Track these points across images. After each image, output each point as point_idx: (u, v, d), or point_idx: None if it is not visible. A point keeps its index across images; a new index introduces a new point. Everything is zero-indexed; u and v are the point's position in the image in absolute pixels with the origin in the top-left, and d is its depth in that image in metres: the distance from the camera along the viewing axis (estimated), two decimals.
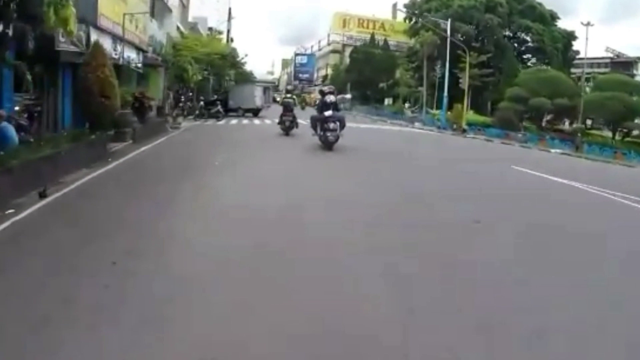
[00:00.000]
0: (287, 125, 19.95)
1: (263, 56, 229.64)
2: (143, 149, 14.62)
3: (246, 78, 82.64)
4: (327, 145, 15.06)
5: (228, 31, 78.14)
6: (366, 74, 58.73)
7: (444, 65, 41.80)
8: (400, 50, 63.36)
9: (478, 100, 45.78)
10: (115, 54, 18.21)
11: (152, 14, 26.76)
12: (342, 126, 15.25)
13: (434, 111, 43.04)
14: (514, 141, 29.20)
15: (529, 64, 53.32)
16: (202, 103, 29.44)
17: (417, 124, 38.05)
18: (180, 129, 22.34)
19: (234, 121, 28.42)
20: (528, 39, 55.22)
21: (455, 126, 33.11)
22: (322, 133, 15.20)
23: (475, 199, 9.31)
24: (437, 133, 31.33)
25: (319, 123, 15.38)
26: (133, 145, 14.95)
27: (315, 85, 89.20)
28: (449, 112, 36.32)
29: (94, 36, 15.34)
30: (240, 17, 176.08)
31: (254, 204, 7.81)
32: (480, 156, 18.92)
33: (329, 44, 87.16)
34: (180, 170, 11.01)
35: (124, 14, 17.83)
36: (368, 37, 67.72)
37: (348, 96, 63.10)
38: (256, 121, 29.71)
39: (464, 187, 10.72)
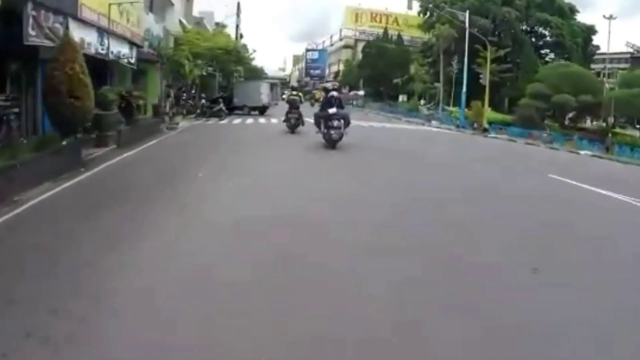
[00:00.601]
0: (293, 123, 19.54)
1: (274, 52, 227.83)
2: (126, 154, 13.05)
3: (256, 74, 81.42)
4: (331, 143, 14.76)
5: (237, 26, 76.81)
6: (379, 70, 56.76)
7: (460, 60, 39.97)
8: (414, 45, 61.38)
9: (495, 97, 43.78)
10: (102, 49, 16.71)
11: (151, 8, 25.32)
12: (347, 124, 14.99)
13: (451, 108, 41.13)
14: (538, 141, 27.20)
15: (546, 59, 51.47)
16: (203, 101, 27.85)
17: (433, 123, 36.14)
18: (177, 130, 20.79)
19: (237, 120, 26.84)
20: (546, 33, 53.27)
21: (475, 125, 31.18)
22: (325, 131, 14.93)
23: (531, 239, 6.73)
24: (456, 132, 29.48)
25: (322, 121, 15.13)
26: (117, 151, 13.42)
27: (327, 82, 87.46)
28: (467, 110, 34.41)
29: (74, 29, 13.81)
30: (251, 13, 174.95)
31: (249, 215, 6.92)
32: (510, 162, 16.85)
33: (340, 39, 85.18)
34: (160, 182, 9.42)
35: (110, 4, 16.25)
36: (381, 31, 65.71)
37: (361, 93, 61.34)
38: (261, 120, 28.08)
39: (507, 216, 8.14)
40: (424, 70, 48.07)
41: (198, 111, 27.18)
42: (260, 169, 11.49)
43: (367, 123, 29.09)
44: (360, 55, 67.30)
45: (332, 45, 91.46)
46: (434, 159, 15.04)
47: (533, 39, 52.39)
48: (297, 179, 10.34)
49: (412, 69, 48.39)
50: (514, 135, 28.78)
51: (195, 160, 12.46)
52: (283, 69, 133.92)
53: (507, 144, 24.62)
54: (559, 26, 50.45)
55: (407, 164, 13.75)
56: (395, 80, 52.85)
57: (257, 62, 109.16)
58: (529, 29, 52.49)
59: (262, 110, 33.65)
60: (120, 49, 18.79)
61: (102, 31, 16.43)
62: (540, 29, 53.20)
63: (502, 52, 41.44)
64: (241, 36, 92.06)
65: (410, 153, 15.68)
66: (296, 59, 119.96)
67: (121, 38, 18.78)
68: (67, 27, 13.31)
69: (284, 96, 35.63)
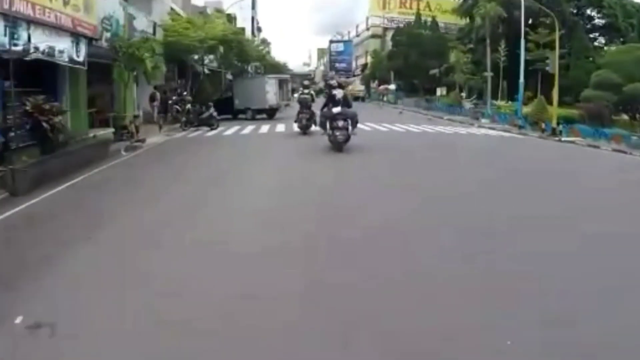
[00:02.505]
0: (304, 123, 18.76)
1: (299, 47, 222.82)
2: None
3: (278, 71, 76.56)
4: (336, 145, 14.13)
5: (252, 19, 72.05)
6: (412, 60, 50.74)
7: (509, 45, 34.28)
8: (449, 32, 55.04)
9: (543, 89, 37.94)
10: (17, 44, 11.70)
11: None
12: (354, 123, 14.44)
13: (499, 102, 34.90)
14: (629, 148, 20.24)
15: (594, 44, 45.35)
16: (188, 106, 22.55)
17: (483, 121, 30.14)
18: (136, 152, 15.65)
19: (231, 130, 21.45)
20: (594, 15, 47.56)
21: (542, 125, 25.08)
22: (330, 132, 14.29)
23: None
24: (518, 135, 23.46)
25: (328, 121, 14.41)
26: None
27: (354, 76, 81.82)
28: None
29: None
30: (273, 5, 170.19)
31: None
32: None
33: (367, 29, 79.17)
34: None
35: None
36: (412, 18, 59.52)
37: (392, 86, 55.54)
38: (264, 127, 22.68)
39: None
40: (466, 58, 41.79)
41: (184, 119, 21.97)
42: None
43: (403, 126, 23.49)
44: (389, 45, 61.46)
45: (358, 35, 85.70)
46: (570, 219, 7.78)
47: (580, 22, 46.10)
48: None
49: (452, 57, 42.13)
50: (589, 136, 22.33)
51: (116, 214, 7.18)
52: (308, 64, 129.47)
53: (598, 154, 18.45)
54: (612, 6, 44.73)
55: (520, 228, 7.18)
56: (432, 71, 46.69)
57: (281, 57, 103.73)
58: (575, 11, 46.29)
59: (269, 113, 28.46)
60: (54, 44, 13.78)
61: (17, 19, 11.46)
62: (589, 10, 47.61)
63: (554, 35, 35.70)
64: (259, 29, 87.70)
65: (501, 195, 9.52)
66: (321, 53, 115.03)
67: (55, 29, 13.78)
68: None
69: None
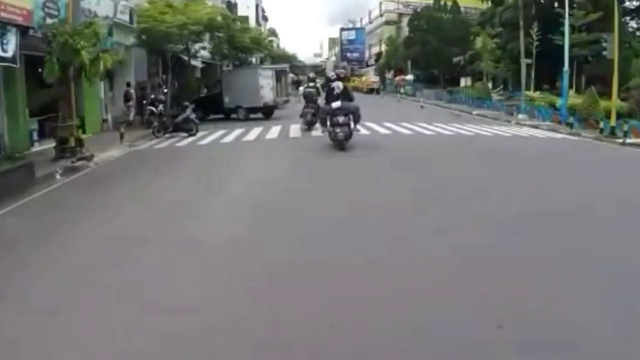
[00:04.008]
0: (309, 119, 17.76)
1: (310, 37, 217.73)
2: None
3: (288, 62, 72.33)
4: (337, 144, 13.23)
5: (257, 6, 67.94)
6: (432, 47, 46.15)
7: (542, 28, 30.07)
8: (470, 17, 50.44)
9: (577, 77, 33.78)
10: None
11: None
12: (357, 119, 13.52)
13: (533, 94, 30.50)
14: None
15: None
16: (161, 107, 18.51)
17: (520, 117, 25.82)
18: (77, 174, 11.81)
19: (210, 137, 17.16)
20: None
21: (594, 122, 20.81)
22: (331, 129, 13.39)
23: None
24: (570, 136, 19.09)
25: (328, 117, 13.52)
26: None
27: (368, 66, 77.43)
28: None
29: None
30: None
31: None
32: None
33: (381, 15, 74.71)
34: None
35: None
36: (429, 2, 54.88)
37: (409, 77, 51.03)
38: (254, 131, 18.60)
39: None
40: (494, 44, 37.28)
41: (155, 124, 18.03)
42: None
43: (428, 126, 19.26)
44: (405, 33, 57.05)
45: (371, 22, 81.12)
46: None
47: None
48: None
49: (478, 42, 37.67)
50: None
51: None
52: (319, 55, 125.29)
53: None
54: None
55: None
56: (455, 59, 42.11)
57: (291, 48, 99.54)
58: None
59: (266, 112, 24.47)
60: None
61: None
62: None
63: (594, 16, 31.54)
64: (265, 18, 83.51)
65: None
66: (332, 43, 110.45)
67: None
68: None
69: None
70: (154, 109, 18.49)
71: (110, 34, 19.72)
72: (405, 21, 61.18)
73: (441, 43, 45.73)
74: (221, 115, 24.79)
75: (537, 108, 26.88)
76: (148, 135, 18.16)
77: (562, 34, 27.48)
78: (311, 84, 19.58)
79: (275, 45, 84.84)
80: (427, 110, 31.68)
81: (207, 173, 11.14)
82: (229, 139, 16.70)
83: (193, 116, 17.82)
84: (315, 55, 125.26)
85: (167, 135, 17.96)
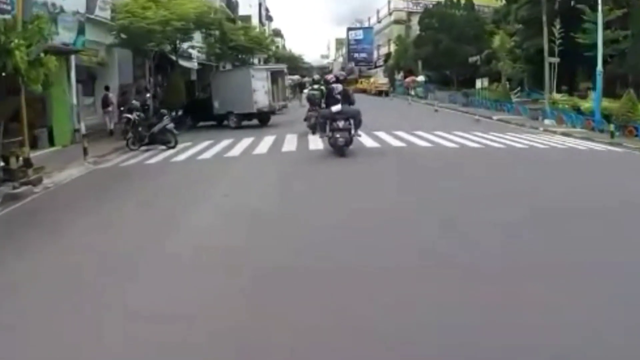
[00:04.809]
0: (313, 122, 16.38)
1: (317, 38, 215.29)
2: None
3: (295, 65, 69.95)
4: (337, 150, 12.59)
5: (260, 5, 65.63)
6: (444, 46, 43.66)
7: (565, 26, 27.62)
8: (484, 15, 47.89)
9: (578, 79, 31.48)
10: None
11: None
12: (357, 124, 12.80)
13: (556, 96, 27.86)
14: None
15: None
16: (134, 116, 15.90)
17: (547, 123, 23.33)
18: (17, 204, 9.50)
19: (191, 151, 14.66)
20: None
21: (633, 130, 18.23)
22: (330, 134, 12.74)
23: None
24: (612, 147, 16.39)
25: (327, 122, 12.81)
26: None
27: (376, 67, 75.02)
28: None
29: None
30: None
31: None
32: None
33: (389, 13, 72.31)
34: None
35: None
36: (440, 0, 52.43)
37: (420, 78, 48.66)
38: (243, 143, 16.10)
39: None
40: (513, 42, 34.68)
41: (129, 136, 15.63)
42: None
43: (448, 135, 16.66)
44: (415, 32, 54.62)
45: (379, 22, 78.71)
46: None
47: None
48: None
49: (496, 41, 35.07)
50: None
51: None
52: (326, 56, 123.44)
53: None
54: None
55: None
56: (472, 59, 39.59)
57: (297, 49, 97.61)
58: None
59: (262, 118, 22.08)
60: None
61: None
62: None
63: (618, 13, 29.05)
64: (269, 18, 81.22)
65: None
66: (339, 44, 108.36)
67: None
68: None
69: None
70: (129, 116, 16.04)
71: (81, 32, 17.48)
72: (414, 20, 59.28)
73: (454, 42, 43.37)
74: (213, 122, 22.45)
75: (564, 113, 24.27)
76: (122, 149, 15.81)
77: (584, 31, 25.69)
78: (315, 86, 18.42)
79: (280, 46, 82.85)
80: (441, 114, 29.15)
81: (158, 210, 8.49)
82: (209, 153, 14.15)
83: (171, 126, 15.36)
84: (322, 56, 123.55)
85: (144, 148, 15.60)
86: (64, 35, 16.26)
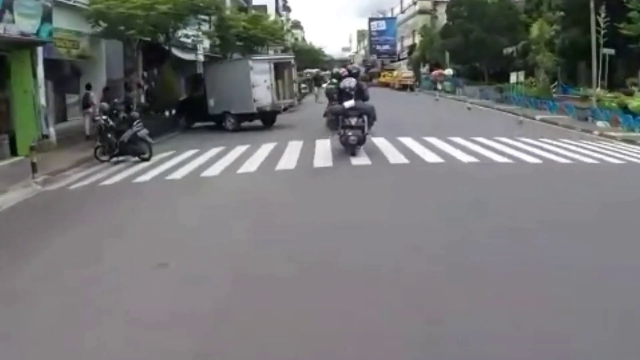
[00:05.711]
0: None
1: (339, 31, 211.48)
2: None
3: (315, 58, 66.76)
4: (349, 148, 12.05)
5: None
6: (474, 37, 40.39)
7: (611, 14, 24.39)
8: (516, 3, 44.41)
9: (618, 73, 28.04)
10: None
11: None
12: (372, 121, 12.36)
13: (600, 92, 24.45)
14: None
15: None
16: (102, 120, 12.87)
17: (599, 125, 20.03)
18: None
19: (170, 163, 11.84)
20: None
21: None
22: (342, 132, 12.16)
23: None
24: None
25: (340, 118, 12.29)
26: None
27: (400, 59, 71.71)
28: None
29: None
30: None
31: None
32: None
33: (414, 3, 69.13)
34: None
35: None
36: None
37: (448, 72, 45.44)
38: (236, 150, 13.25)
39: None
40: (554, 32, 31.18)
41: (97, 144, 12.86)
42: None
43: (491, 142, 13.38)
44: (442, 21, 51.40)
45: (403, 12, 75.51)
46: None
47: None
48: None
49: (534, 30, 31.55)
50: None
51: None
52: (348, 49, 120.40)
53: None
54: None
55: None
56: (507, 50, 36.23)
57: (317, 42, 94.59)
58: None
59: (266, 119, 19.20)
60: None
61: None
62: None
63: None
64: (287, 9, 78.29)
65: None
66: (360, 35, 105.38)
67: None
68: None
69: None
70: (102, 119, 13.21)
71: (47, 19, 14.75)
72: (440, 9, 56.91)
73: (485, 32, 40.07)
74: (210, 123, 19.68)
75: (619, 114, 20.81)
76: (89, 160, 13.08)
77: (629, 20, 23.00)
78: (334, 80, 17.25)
79: (299, 38, 79.87)
80: (475, 113, 26.02)
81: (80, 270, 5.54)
82: (184, 170, 11.05)
83: (144, 133, 12.47)
84: (344, 49, 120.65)
85: (115, 159, 12.84)
86: (23, 23, 13.55)
